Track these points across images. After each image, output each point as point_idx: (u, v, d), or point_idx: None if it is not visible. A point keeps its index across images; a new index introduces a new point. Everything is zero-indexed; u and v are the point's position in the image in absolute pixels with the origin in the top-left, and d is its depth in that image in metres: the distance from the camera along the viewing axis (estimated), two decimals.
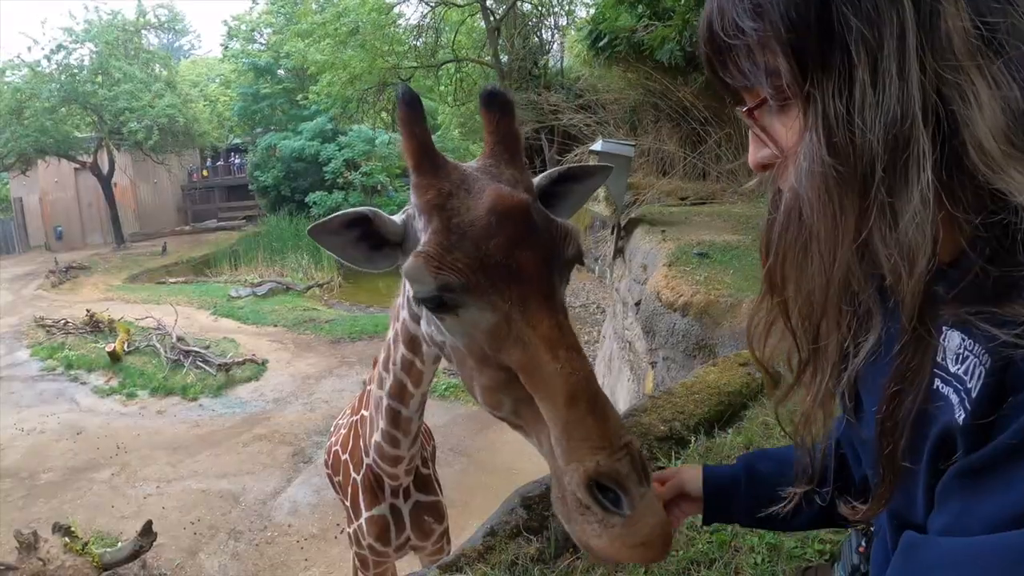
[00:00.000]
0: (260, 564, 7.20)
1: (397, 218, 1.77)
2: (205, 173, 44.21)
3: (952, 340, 0.91)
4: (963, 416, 0.85)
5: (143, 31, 35.17)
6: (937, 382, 0.92)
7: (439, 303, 1.45)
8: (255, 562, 7.23)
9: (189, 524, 7.94)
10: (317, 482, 8.62)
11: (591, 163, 1.94)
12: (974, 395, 0.84)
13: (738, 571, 2.79)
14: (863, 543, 1.27)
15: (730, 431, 3.90)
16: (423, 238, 1.51)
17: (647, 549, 1.23)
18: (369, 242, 1.74)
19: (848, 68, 0.86)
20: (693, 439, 3.81)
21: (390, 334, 2.39)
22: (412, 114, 1.51)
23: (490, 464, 8.65)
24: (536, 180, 1.75)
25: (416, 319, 2.06)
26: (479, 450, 9.05)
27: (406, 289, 2.03)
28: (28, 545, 6.04)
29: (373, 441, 2.70)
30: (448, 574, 2.89)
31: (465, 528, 5.67)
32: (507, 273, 1.39)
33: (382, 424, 2.56)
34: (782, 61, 0.91)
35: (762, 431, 3.85)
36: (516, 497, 3.26)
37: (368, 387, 2.86)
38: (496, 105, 1.61)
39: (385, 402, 2.47)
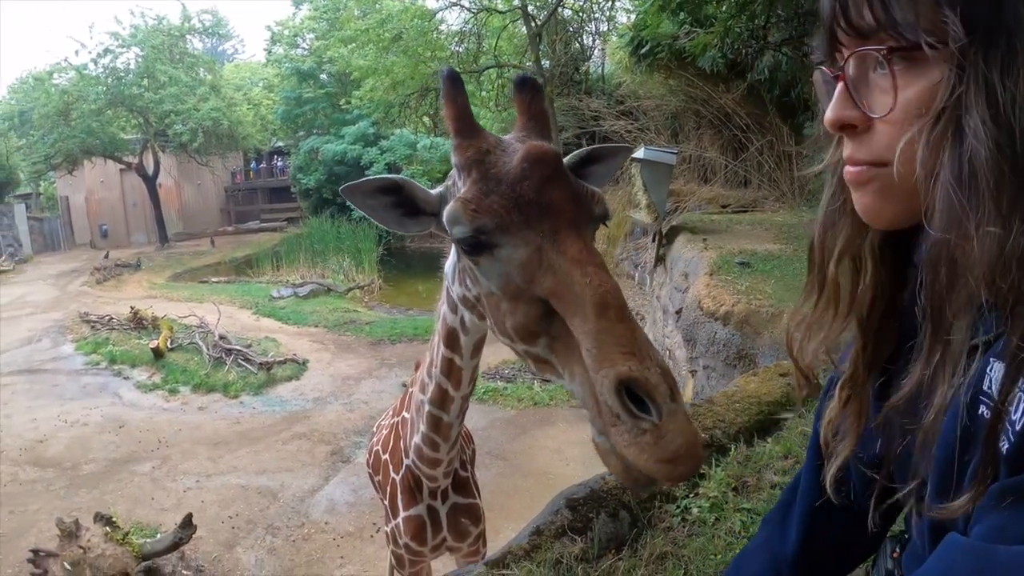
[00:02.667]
0: (296, 560, 7.24)
1: (435, 191, 1.85)
2: (251, 175, 44.77)
3: (997, 371, 0.88)
4: (1007, 446, 0.84)
5: (187, 36, 35.72)
6: (982, 408, 0.89)
7: (475, 244, 1.53)
8: (291, 558, 7.28)
9: (227, 518, 8.01)
10: (355, 481, 8.67)
11: (612, 147, 2.00)
12: (1018, 428, 0.82)
13: None
14: (897, 549, 1.27)
15: (769, 440, 3.90)
16: (462, 191, 1.60)
17: (675, 465, 1.22)
18: (403, 209, 1.85)
19: (1014, 39, 0.83)
20: (733, 447, 3.83)
21: (434, 338, 2.44)
22: (453, 87, 1.63)
23: (527, 468, 8.65)
24: (566, 160, 1.84)
25: (454, 308, 2.16)
26: (516, 454, 9.05)
27: (447, 280, 2.13)
28: (70, 533, 6.15)
29: (413, 443, 2.75)
30: (495, 571, 2.92)
31: (501, 531, 5.68)
32: (538, 209, 1.48)
33: (422, 427, 2.61)
34: (948, 12, 0.85)
35: (800, 440, 3.85)
36: (561, 499, 3.31)
37: (410, 389, 2.91)
38: (527, 88, 1.75)
39: (426, 408, 2.52)
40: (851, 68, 0.98)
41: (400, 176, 1.82)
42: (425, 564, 3.53)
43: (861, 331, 1.16)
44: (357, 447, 9.68)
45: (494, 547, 3.41)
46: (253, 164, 44.44)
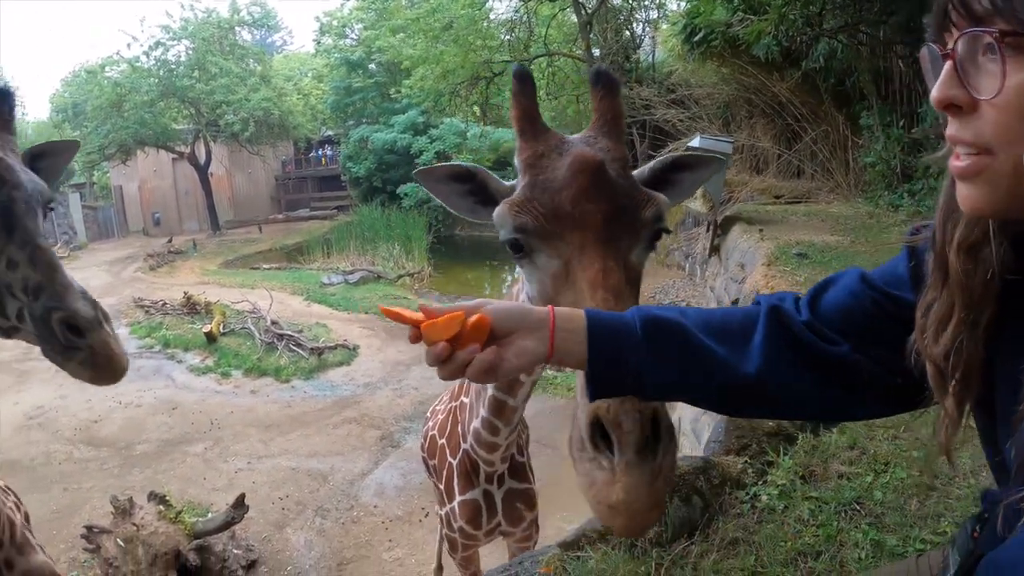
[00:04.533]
0: (345, 542, 7.30)
1: (508, 183, 1.82)
2: (304, 164, 45.20)
3: None
4: None
5: (237, 28, 36.38)
6: None
7: (516, 245, 1.55)
8: (340, 540, 7.34)
9: (278, 499, 8.11)
10: (404, 466, 8.72)
11: (703, 156, 1.94)
12: None
13: (843, 564, 2.80)
14: (977, 528, 1.22)
15: (834, 431, 3.86)
16: (516, 192, 1.61)
17: (614, 514, 1.21)
18: (475, 198, 1.83)
19: None
20: (801, 436, 3.81)
21: None
22: (522, 87, 1.63)
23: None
24: (650, 165, 1.84)
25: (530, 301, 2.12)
26: (565, 443, 9.00)
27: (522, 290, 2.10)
28: (123, 511, 6.24)
29: (472, 427, 2.75)
30: (570, 552, 2.91)
31: (548, 519, 5.63)
32: (573, 221, 1.47)
33: (483, 412, 2.60)
34: None
35: (865, 432, 3.82)
36: None
37: None
38: (602, 83, 1.71)
39: (489, 391, 2.50)
40: (961, 48, 0.96)
41: (473, 164, 1.82)
42: (477, 548, 3.52)
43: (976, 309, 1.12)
44: (407, 432, 9.73)
45: (541, 536, 3.42)
46: (316, 151, 44.95)
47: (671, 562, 2.88)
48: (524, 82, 1.64)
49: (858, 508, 3.16)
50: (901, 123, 13.00)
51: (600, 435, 1.24)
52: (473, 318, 1.25)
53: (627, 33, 22.65)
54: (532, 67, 22.12)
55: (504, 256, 28.28)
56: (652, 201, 1.58)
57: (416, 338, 1.27)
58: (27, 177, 2.05)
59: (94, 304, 1.95)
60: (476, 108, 25.34)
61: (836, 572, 2.75)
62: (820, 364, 1.30)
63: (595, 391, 1.24)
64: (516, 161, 1.66)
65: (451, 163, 1.82)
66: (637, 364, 1.23)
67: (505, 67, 22.09)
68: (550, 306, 1.28)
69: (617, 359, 1.23)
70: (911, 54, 12.81)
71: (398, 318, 1.31)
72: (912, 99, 13.09)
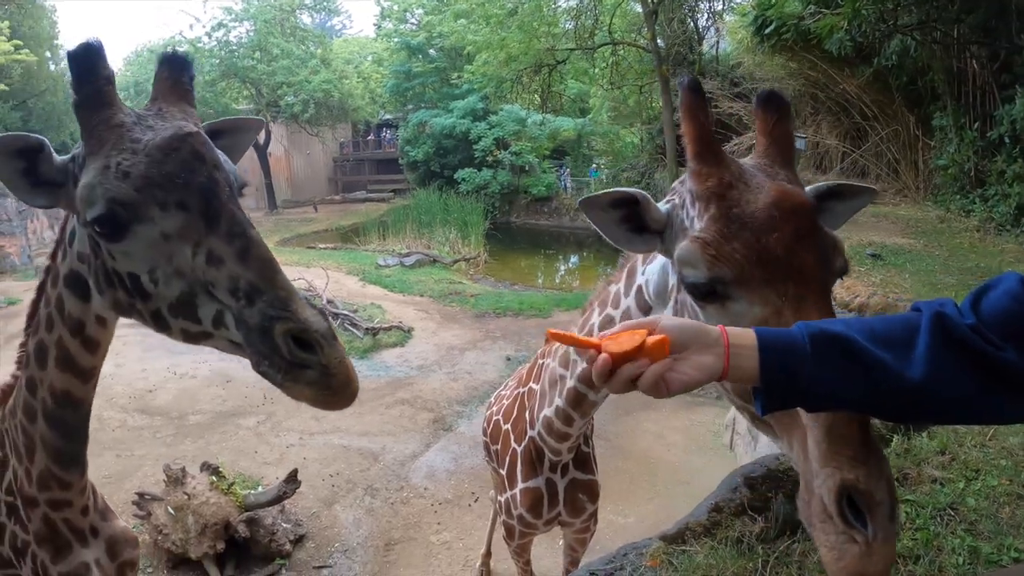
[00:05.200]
0: (394, 522, 7.28)
1: (662, 206, 1.72)
2: (365, 140, 45.56)
3: None
4: None
5: (297, 11, 36.94)
6: None
7: (708, 292, 1.45)
8: (389, 520, 7.32)
9: (328, 476, 8.12)
10: (455, 450, 8.69)
11: (858, 185, 1.84)
12: None
13: (942, 569, 2.78)
14: None
15: (924, 435, 3.84)
16: (697, 225, 1.50)
17: None
18: (630, 224, 1.73)
19: None
20: (894, 439, 3.84)
21: (594, 317, 2.39)
22: (696, 101, 1.52)
23: (628, 450, 8.52)
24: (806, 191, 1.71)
25: (644, 309, 2.06)
26: (618, 435, 8.91)
27: (641, 277, 2.06)
28: (176, 479, 6.32)
29: (542, 415, 2.74)
30: (674, 546, 2.88)
31: (600, 511, 5.59)
32: (785, 270, 1.38)
33: (559, 402, 2.58)
34: None
35: (954, 437, 3.76)
36: (738, 476, 3.36)
37: (542, 360, 2.89)
38: (773, 106, 1.62)
39: (570, 383, 2.48)
40: None
41: (638, 191, 1.72)
42: (533, 537, 3.49)
43: None
44: (459, 416, 9.71)
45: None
46: (377, 134, 45.60)
47: (776, 560, 2.87)
48: (697, 93, 1.53)
49: (952, 514, 3.12)
50: (976, 125, 12.69)
51: (848, 504, 1.24)
52: (655, 338, 1.24)
53: (691, 24, 22.40)
54: (596, 56, 22.03)
55: (559, 245, 28.38)
56: (838, 247, 1.49)
57: (595, 361, 1.25)
58: (223, 156, 1.77)
59: (323, 314, 1.67)
60: (536, 96, 25.28)
61: None
62: (987, 368, 1.24)
63: (766, 404, 1.24)
64: (693, 187, 1.55)
65: (615, 189, 1.72)
66: (807, 376, 1.21)
67: (569, 55, 22.00)
68: (721, 326, 1.26)
69: (787, 372, 1.22)
70: (988, 55, 12.47)
71: (572, 342, 1.35)
72: (987, 101, 12.77)
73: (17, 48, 24.73)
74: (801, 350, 1.22)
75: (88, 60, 1.64)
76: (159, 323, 1.73)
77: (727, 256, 1.40)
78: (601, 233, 1.73)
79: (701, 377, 1.24)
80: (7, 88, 24.99)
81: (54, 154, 1.77)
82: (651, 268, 1.99)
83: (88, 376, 2.10)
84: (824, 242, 1.45)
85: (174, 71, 1.82)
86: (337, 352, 1.58)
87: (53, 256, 2.04)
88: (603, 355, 1.23)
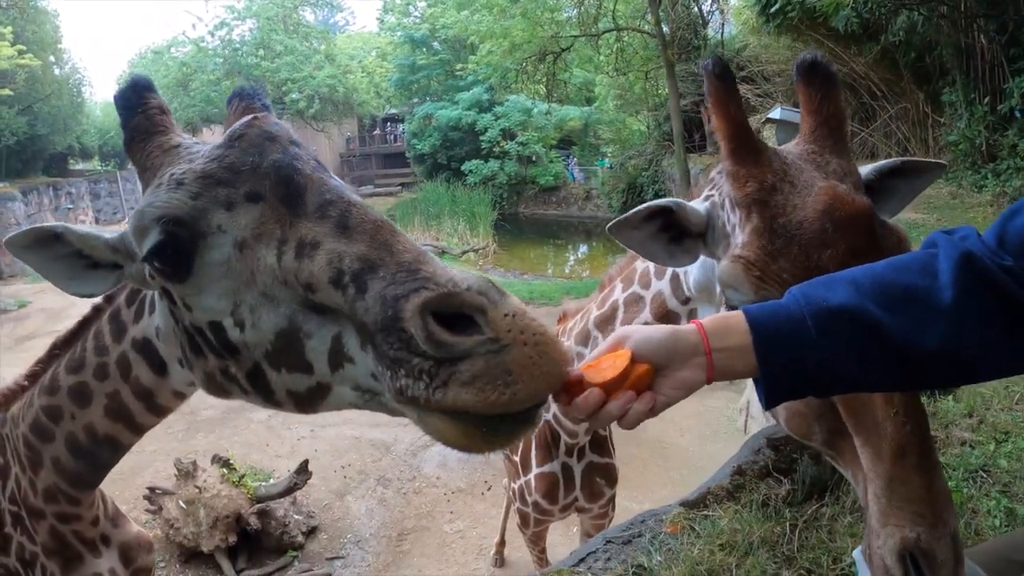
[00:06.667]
0: (406, 512, 7.26)
1: (700, 206, 1.59)
2: (371, 134, 45.56)
3: None
4: None
5: (300, 7, 37.16)
6: None
7: None
8: (401, 510, 7.30)
9: (340, 468, 8.10)
10: None
11: (924, 161, 1.60)
12: None
13: (979, 533, 2.70)
14: None
15: (950, 398, 3.77)
16: (740, 237, 1.37)
17: None
18: (668, 234, 1.60)
19: None
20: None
21: (617, 293, 2.33)
22: (726, 90, 1.37)
23: (640, 436, 8.42)
24: (866, 171, 1.56)
25: (683, 300, 1.99)
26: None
27: (684, 275, 1.94)
28: (187, 473, 6.32)
29: None
30: (695, 511, 2.81)
31: None
32: None
33: None
34: None
35: (981, 401, 3.69)
36: (762, 438, 3.25)
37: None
38: (818, 79, 1.43)
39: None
40: None
41: (672, 200, 1.58)
42: (549, 524, 3.42)
43: None
44: None
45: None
46: (383, 129, 45.45)
47: (805, 523, 2.77)
48: (725, 80, 1.36)
49: (985, 476, 3.04)
50: (986, 100, 12.54)
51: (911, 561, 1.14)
52: (641, 368, 1.11)
53: (695, 8, 22.26)
54: (600, 43, 21.88)
55: (567, 235, 28.33)
56: (902, 245, 1.35)
57: (570, 400, 1.11)
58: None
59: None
60: (542, 86, 25.16)
61: (973, 540, 2.60)
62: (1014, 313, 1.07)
63: (770, 399, 1.11)
64: (731, 192, 1.41)
65: (646, 204, 1.57)
66: (815, 363, 1.07)
67: (573, 42, 21.85)
68: (696, 321, 1.13)
69: (793, 364, 1.08)
70: (996, 28, 12.32)
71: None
72: (996, 75, 12.62)
73: (21, 53, 24.74)
74: (805, 335, 1.06)
75: (136, 93, 1.48)
76: (259, 386, 1.38)
77: (774, 276, 1.27)
78: (637, 252, 1.63)
79: (683, 395, 1.13)
80: (12, 93, 25.01)
81: (91, 231, 1.53)
82: (692, 267, 1.88)
83: (143, 430, 1.99)
84: (885, 247, 1.30)
85: (244, 99, 1.64)
86: (509, 307, 1.04)
87: (109, 299, 1.87)
88: (594, 390, 1.08)
